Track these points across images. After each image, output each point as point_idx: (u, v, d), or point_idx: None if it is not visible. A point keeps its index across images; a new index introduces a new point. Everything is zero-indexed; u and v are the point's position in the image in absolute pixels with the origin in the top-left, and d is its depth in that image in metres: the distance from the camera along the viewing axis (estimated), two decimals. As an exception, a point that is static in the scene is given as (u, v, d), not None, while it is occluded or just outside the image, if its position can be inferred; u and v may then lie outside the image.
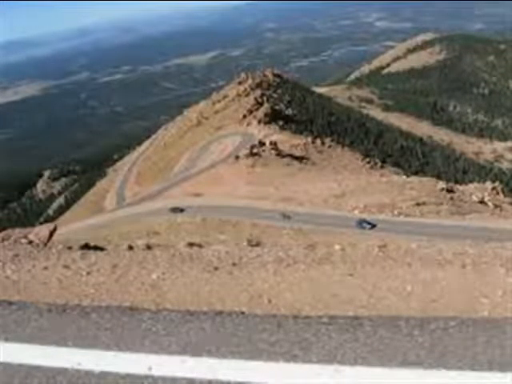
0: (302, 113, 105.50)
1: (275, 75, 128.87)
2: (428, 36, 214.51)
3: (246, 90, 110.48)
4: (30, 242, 6.57)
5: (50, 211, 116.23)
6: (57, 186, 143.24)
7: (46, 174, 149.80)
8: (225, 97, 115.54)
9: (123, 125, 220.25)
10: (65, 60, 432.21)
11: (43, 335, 3.41)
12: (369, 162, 72.26)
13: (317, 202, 42.61)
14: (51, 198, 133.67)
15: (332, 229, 35.10)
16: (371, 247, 5.51)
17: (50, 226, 7.41)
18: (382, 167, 74.05)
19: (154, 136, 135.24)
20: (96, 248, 7.12)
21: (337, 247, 5.76)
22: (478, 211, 40.34)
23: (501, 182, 63.93)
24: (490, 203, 43.88)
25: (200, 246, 8.65)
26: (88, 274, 5.11)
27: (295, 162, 62.22)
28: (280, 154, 62.95)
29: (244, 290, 4.45)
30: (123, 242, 14.65)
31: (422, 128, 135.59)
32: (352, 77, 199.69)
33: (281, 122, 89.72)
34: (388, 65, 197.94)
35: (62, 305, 4.10)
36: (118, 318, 3.62)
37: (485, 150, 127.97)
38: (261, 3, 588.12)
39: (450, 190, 45.59)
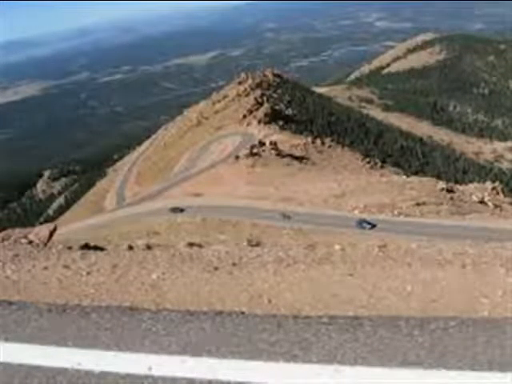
0: (302, 113, 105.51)
1: (275, 75, 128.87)
2: (428, 36, 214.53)
3: (245, 89, 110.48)
4: (30, 242, 6.57)
5: (50, 211, 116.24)
6: (57, 186, 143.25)
7: (46, 174, 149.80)
8: (225, 97, 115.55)
9: (123, 125, 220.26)
10: (65, 60, 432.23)
11: (43, 335, 3.41)
12: (369, 162, 72.26)
13: (317, 202, 42.61)
14: (51, 198, 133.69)
15: (332, 229, 35.09)
16: (371, 247, 5.51)
17: (50, 226, 7.41)
18: (382, 167, 74.06)
19: (154, 136, 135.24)
20: (96, 248, 7.12)
21: (337, 247, 5.76)
22: (478, 211, 40.34)
23: (501, 182, 63.93)
24: (489, 203, 43.88)
25: (200, 245, 8.65)
26: (88, 273, 5.11)
27: (295, 162, 62.22)
28: (280, 154, 62.96)
29: (244, 290, 4.45)
30: (123, 241, 14.65)
31: (422, 128, 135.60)
32: (352, 77, 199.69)
33: (281, 122, 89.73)
34: (388, 65, 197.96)
35: (62, 305, 4.10)
36: (118, 318, 3.62)
37: (485, 150, 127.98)
38: (261, 3, 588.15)
39: (449, 190, 45.59)
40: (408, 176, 57.34)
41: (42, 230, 7.01)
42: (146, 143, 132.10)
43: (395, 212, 38.26)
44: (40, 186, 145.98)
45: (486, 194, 46.19)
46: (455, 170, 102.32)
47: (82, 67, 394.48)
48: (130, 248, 7.87)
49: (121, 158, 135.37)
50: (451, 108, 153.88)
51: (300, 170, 58.38)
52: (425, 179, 52.09)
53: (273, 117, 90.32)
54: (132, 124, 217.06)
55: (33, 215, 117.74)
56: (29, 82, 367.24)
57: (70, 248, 6.41)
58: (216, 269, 5.03)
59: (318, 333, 3.17)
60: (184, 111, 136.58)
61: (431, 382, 2.65)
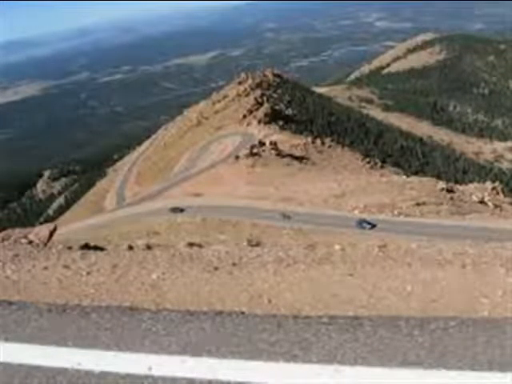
0: (302, 113, 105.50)
1: (275, 75, 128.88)
2: (428, 36, 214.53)
3: (245, 89, 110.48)
4: (30, 242, 6.57)
5: (50, 211, 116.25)
6: (57, 186, 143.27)
7: (46, 174, 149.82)
8: (225, 97, 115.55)
9: (123, 125, 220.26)
10: (65, 60, 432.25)
11: (43, 335, 3.41)
12: (369, 162, 72.26)
13: (317, 202, 42.61)
14: (51, 198, 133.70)
15: (332, 229, 35.09)
16: (371, 247, 5.51)
17: (50, 226, 7.41)
18: (382, 167, 74.05)
19: (154, 136, 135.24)
20: (96, 248, 7.13)
21: (337, 247, 5.76)
22: (478, 211, 40.33)
23: (501, 182, 63.93)
24: (489, 203, 43.88)
25: (200, 245, 8.65)
26: (88, 273, 5.11)
27: (295, 162, 62.22)
28: (280, 154, 62.95)
29: (244, 289, 4.45)
30: (123, 241, 14.65)
31: (422, 128, 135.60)
32: (352, 77, 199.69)
33: (281, 122, 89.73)
34: (388, 65, 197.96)
35: (62, 305, 4.10)
36: (118, 318, 3.62)
37: (485, 150, 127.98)
38: (261, 3, 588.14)
39: (449, 190, 45.59)
40: (408, 176, 57.34)
41: (42, 230, 7.01)
42: (146, 143, 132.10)
43: (395, 212, 38.26)
44: (40, 186, 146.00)
45: (486, 194, 46.19)
46: (455, 170, 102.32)
47: (82, 67, 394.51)
48: (130, 248, 7.87)
49: (121, 157, 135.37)
50: (451, 108, 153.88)
51: (300, 170, 58.38)
52: (425, 179, 52.09)
53: (273, 117, 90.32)
54: (132, 124, 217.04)
55: (33, 215, 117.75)
56: (29, 82, 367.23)
57: (70, 248, 6.41)
58: (216, 269, 5.03)
59: (318, 333, 3.17)
60: (184, 111, 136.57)
61: (431, 381, 2.65)
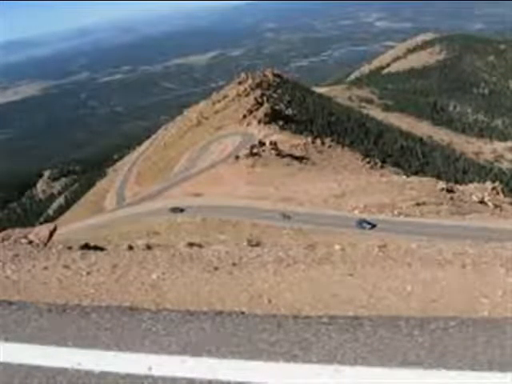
0: (302, 113, 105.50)
1: (275, 75, 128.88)
2: (428, 36, 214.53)
3: (245, 89, 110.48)
4: (30, 242, 6.57)
5: (50, 211, 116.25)
6: (57, 186, 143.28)
7: (46, 174, 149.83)
8: (225, 97, 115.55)
9: (123, 125, 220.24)
10: (65, 60, 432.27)
11: (43, 335, 3.41)
12: (369, 162, 72.25)
13: (317, 202, 42.61)
14: (51, 198, 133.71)
15: (332, 229, 35.10)
16: (371, 247, 5.51)
17: (50, 226, 7.41)
18: (382, 167, 74.05)
19: (154, 136, 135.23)
20: (96, 248, 7.12)
21: (337, 247, 5.76)
22: (478, 211, 40.33)
23: (501, 182, 63.93)
24: (489, 203, 43.88)
25: (200, 245, 8.65)
26: (88, 273, 5.11)
27: (295, 162, 62.22)
28: (280, 154, 62.95)
29: (244, 289, 4.45)
30: (123, 242, 14.66)
31: (422, 128, 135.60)
32: (352, 77, 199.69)
33: (281, 122, 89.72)
34: (388, 65, 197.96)
35: (62, 305, 4.10)
36: (118, 318, 3.62)
37: (485, 150, 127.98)
38: (261, 3, 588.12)
39: (450, 190, 45.60)
40: (408, 176, 57.35)
41: (42, 230, 7.01)
42: (146, 143, 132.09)
43: (395, 212, 38.26)
44: (40, 186, 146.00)
45: (486, 194, 46.19)
46: (455, 170, 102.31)
47: (82, 67, 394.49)
48: (130, 248, 7.87)
49: (121, 157, 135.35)
50: (451, 108, 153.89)
51: (300, 170, 58.39)
52: (425, 179, 52.09)
53: (273, 117, 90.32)
54: (132, 124, 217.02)
55: (33, 215, 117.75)
56: (29, 82, 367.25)
57: (70, 248, 6.41)
58: (216, 269, 5.03)
59: (318, 333, 3.17)
60: (184, 111, 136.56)
61: (431, 381, 2.65)
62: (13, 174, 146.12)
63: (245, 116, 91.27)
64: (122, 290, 4.64)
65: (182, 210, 43.74)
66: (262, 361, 2.90)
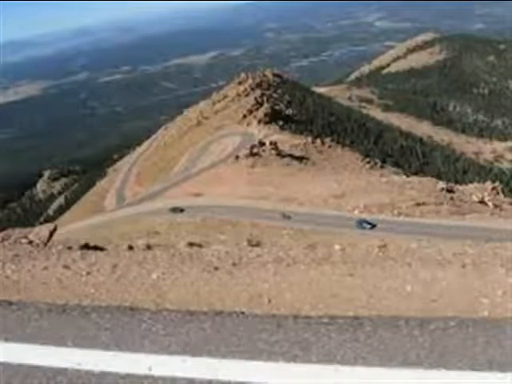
0: (302, 113, 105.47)
1: (275, 75, 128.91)
2: (428, 36, 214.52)
3: (245, 90, 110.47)
4: (30, 242, 6.57)
5: (50, 211, 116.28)
6: (57, 186, 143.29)
7: (46, 174, 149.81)
8: (225, 97, 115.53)
9: (123, 125, 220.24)
10: (65, 60, 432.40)
11: (43, 335, 3.41)
12: (369, 162, 72.20)
13: (317, 202, 42.61)
14: (51, 198, 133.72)
15: (332, 229, 35.13)
16: (371, 247, 5.51)
17: (50, 226, 7.41)
18: (381, 167, 74.00)
19: (154, 136, 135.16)
20: (96, 248, 7.12)
21: (337, 247, 5.75)
22: (478, 211, 40.33)
23: (501, 182, 63.95)
24: (490, 203, 43.88)
25: (200, 245, 8.65)
26: (88, 273, 5.11)
27: (295, 162, 62.22)
28: (280, 154, 62.95)
29: (244, 290, 4.45)
30: (123, 242, 14.66)
31: (422, 128, 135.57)
32: (352, 77, 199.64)
33: (281, 122, 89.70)
34: (388, 65, 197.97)
35: (62, 305, 4.10)
36: (118, 318, 3.62)
37: (485, 150, 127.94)
38: (261, 3, 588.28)
39: (449, 190, 45.61)
40: (408, 176, 57.37)
41: (42, 230, 7.01)
42: (146, 143, 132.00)
43: (395, 212, 38.27)
44: (40, 185, 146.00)
45: (485, 194, 46.18)
46: (455, 170, 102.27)
47: (82, 67, 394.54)
48: (130, 248, 7.88)
49: (121, 157, 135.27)
50: (451, 108, 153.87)
51: (300, 170, 58.38)
52: (425, 179, 52.09)
53: (273, 117, 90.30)
54: (132, 124, 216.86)
55: (33, 215, 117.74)
56: (29, 82, 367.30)
57: (69, 248, 6.41)
58: (216, 269, 5.03)
59: (318, 333, 3.17)
60: (184, 111, 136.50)
61: (431, 382, 2.65)
62: (13, 174, 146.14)
63: (245, 116, 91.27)
64: (122, 289, 4.64)
65: (182, 210, 43.76)
66: (262, 361, 2.90)
